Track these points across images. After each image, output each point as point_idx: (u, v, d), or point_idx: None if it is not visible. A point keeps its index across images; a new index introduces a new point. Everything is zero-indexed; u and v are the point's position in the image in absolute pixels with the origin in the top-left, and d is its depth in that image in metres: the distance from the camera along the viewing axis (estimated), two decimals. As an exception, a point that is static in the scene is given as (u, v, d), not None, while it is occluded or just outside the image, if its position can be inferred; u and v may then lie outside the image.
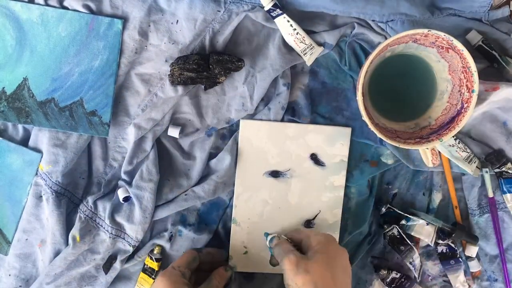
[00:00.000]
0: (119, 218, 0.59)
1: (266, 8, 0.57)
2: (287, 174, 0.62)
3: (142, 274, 0.62)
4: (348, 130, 0.61)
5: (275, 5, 0.56)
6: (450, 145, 0.59)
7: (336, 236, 0.63)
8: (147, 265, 0.62)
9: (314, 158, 0.61)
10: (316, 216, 0.63)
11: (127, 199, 0.59)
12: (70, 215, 0.60)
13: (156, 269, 0.62)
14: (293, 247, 0.52)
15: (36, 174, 0.60)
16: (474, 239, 0.62)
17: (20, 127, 0.60)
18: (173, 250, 0.63)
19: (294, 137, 0.61)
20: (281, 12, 0.56)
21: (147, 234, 0.63)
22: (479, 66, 0.57)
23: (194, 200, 0.61)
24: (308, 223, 0.63)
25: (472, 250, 0.63)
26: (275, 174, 0.62)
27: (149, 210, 0.59)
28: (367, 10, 0.57)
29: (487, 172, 0.61)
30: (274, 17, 0.57)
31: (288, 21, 0.57)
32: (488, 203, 0.62)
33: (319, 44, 0.59)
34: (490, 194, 0.62)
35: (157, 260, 0.62)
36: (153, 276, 0.62)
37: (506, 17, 0.59)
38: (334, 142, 0.61)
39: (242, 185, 0.62)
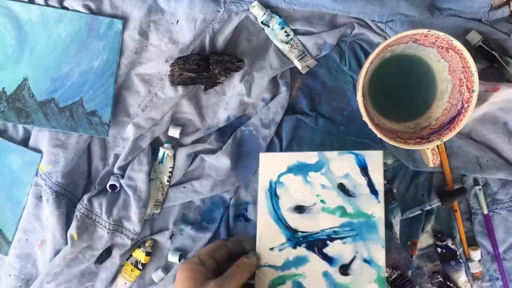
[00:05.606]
0: (116, 212, 0.60)
1: (260, 20, 0.58)
2: (313, 208, 0.52)
3: (127, 265, 0.62)
4: (379, 154, 0.52)
5: (268, 15, 0.57)
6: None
7: (384, 284, 0.51)
8: (134, 256, 0.62)
9: (342, 188, 0.52)
10: (352, 260, 0.51)
11: (113, 187, 0.59)
12: (70, 215, 0.60)
13: (144, 262, 0.62)
14: None
15: (36, 174, 0.60)
16: (463, 191, 0.61)
17: (20, 127, 0.60)
18: (174, 247, 0.63)
19: (317, 166, 0.53)
20: (275, 21, 0.58)
21: (147, 231, 0.63)
22: (479, 67, 0.57)
23: (192, 195, 0.61)
24: (345, 269, 0.51)
25: (475, 254, 0.63)
26: (300, 209, 0.52)
27: (143, 200, 0.59)
28: (367, 10, 0.57)
29: (480, 189, 0.61)
30: (268, 26, 0.58)
31: (283, 27, 0.57)
32: (483, 218, 0.63)
33: (319, 45, 0.59)
34: (485, 211, 0.62)
35: (147, 253, 0.62)
36: (139, 267, 0.62)
37: (506, 17, 0.59)
38: (364, 168, 0.53)
39: (265, 225, 0.53)
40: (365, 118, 0.52)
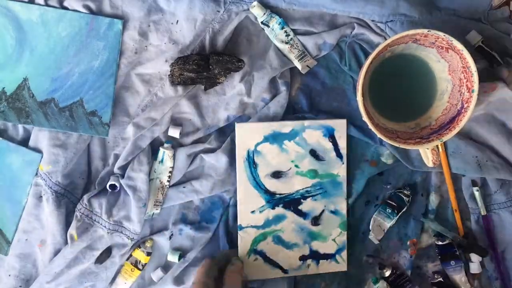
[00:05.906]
0: (116, 212, 0.59)
1: (259, 20, 0.58)
2: (288, 173, 0.61)
3: (127, 265, 0.62)
4: (343, 122, 0.61)
5: (268, 15, 0.57)
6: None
7: (345, 227, 0.62)
8: (133, 256, 0.62)
9: (314, 154, 0.61)
10: (322, 213, 0.62)
11: (113, 187, 0.59)
12: (70, 215, 0.60)
13: (144, 262, 0.62)
14: None
15: (36, 174, 0.60)
16: (483, 252, 0.62)
17: (20, 127, 0.60)
18: (173, 247, 0.63)
19: (292, 135, 0.60)
20: (275, 21, 0.58)
21: (147, 231, 0.63)
22: (479, 67, 0.57)
23: (192, 194, 0.61)
24: (316, 221, 0.62)
25: (475, 255, 0.63)
26: (277, 175, 0.61)
27: (143, 200, 0.59)
28: (367, 10, 0.57)
29: (477, 191, 0.61)
30: (268, 26, 0.58)
31: (283, 27, 0.57)
32: (482, 220, 0.63)
33: (319, 45, 0.59)
34: (483, 212, 0.62)
35: (147, 253, 0.62)
36: (139, 267, 0.62)
37: (506, 17, 0.59)
38: (331, 136, 0.61)
39: (245, 191, 0.60)
40: (365, 118, 0.52)
